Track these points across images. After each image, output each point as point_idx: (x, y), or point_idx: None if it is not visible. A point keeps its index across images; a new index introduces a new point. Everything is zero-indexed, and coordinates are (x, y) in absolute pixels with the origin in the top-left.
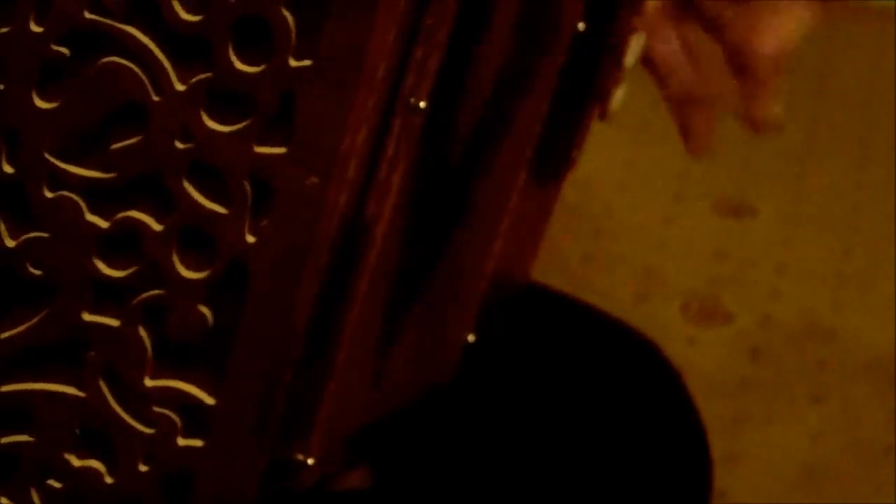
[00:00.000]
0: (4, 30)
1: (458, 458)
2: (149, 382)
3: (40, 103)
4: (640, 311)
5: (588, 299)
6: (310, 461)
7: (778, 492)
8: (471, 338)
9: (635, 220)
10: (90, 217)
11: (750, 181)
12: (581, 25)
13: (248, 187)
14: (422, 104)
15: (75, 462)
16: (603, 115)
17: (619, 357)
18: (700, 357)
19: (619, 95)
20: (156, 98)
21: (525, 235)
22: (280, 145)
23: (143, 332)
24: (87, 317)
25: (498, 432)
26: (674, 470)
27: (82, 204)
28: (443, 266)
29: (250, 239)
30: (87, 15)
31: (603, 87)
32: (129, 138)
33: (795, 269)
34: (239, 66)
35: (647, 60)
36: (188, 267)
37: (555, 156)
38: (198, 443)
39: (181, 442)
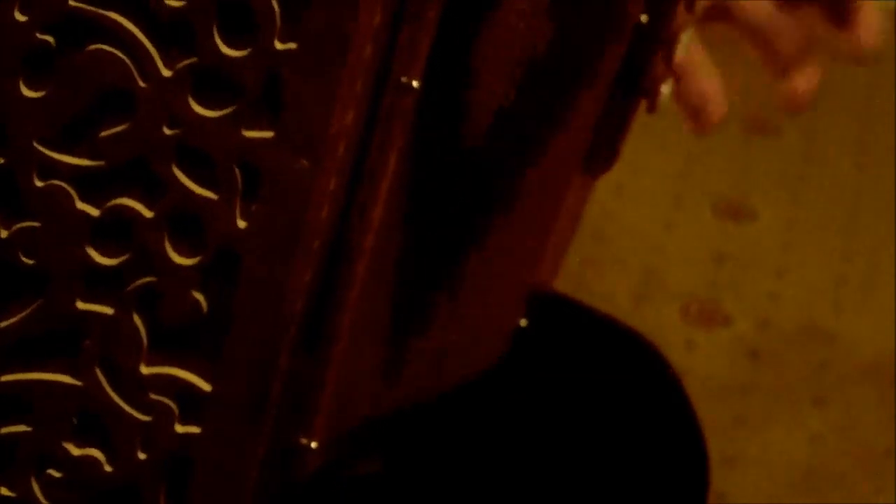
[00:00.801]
0: None
1: (457, 457)
2: (145, 370)
3: (27, 92)
4: (640, 314)
5: (587, 302)
6: (313, 445)
7: (778, 494)
8: (523, 322)
9: (635, 223)
10: (81, 205)
11: (749, 184)
12: (644, 17)
13: (237, 172)
14: (415, 83)
15: (74, 451)
16: (652, 109)
17: (619, 359)
18: (700, 360)
19: (666, 90)
20: (142, 84)
21: (557, 238)
22: (268, 129)
23: (137, 320)
24: (81, 305)
25: (496, 431)
26: (671, 472)
27: (73, 192)
28: (485, 256)
29: (241, 224)
30: (72, 2)
31: (654, 80)
32: (117, 125)
33: (795, 272)
34: (224, 50)
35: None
36: (180, 253)
37: (602, 148)
38: (195, 429)
39: (179, 429)
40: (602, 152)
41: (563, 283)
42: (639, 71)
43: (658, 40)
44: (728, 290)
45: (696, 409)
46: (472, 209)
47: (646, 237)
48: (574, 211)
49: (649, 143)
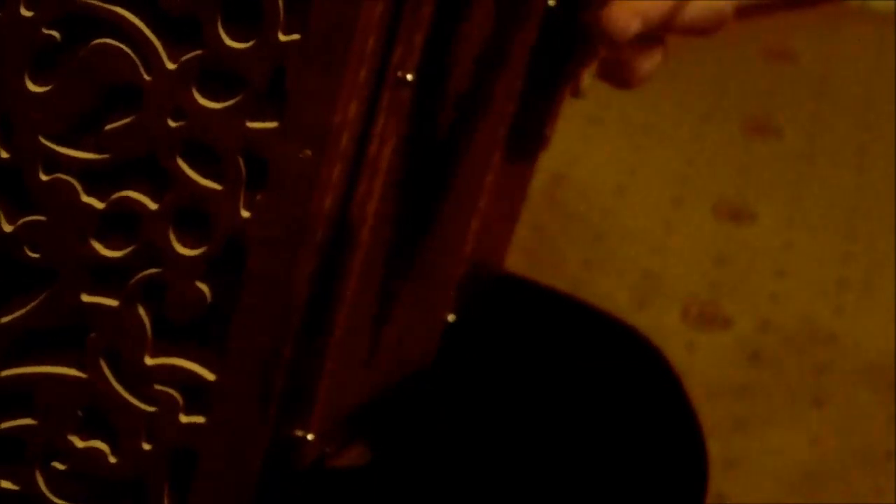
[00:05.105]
0: None
1: (451, 456)
2: (149, 361)
3: (33, 87)
4: (640, 316)
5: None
6: (309, 437)
7: (777, 496)
8: (451, 318)
9: (635, 225)
10: (86, 199)
11: (749, 186)
12: (552, 1)
13: (241, 163)
14: (409, 77)
15: (79, 443)
16: (575, 93)
17: (620, 359)
18: (700, 361)
19: (589, 73)
20: (147, 78)
21: (500, 218)
22: (272, 120)
23: (142, 312)
24: (86, 298)
25: (497, 432)
26: (671, 473)
27: (78, 186)
28: (427, 245)
29: (245, 214)
30: None
31: (574, 64)
32: (122, 119)
33: (795, 273)
34: (229, 42)
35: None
36: (185, 245)
37: (528, 134)
38: (200, 419)
39: (183, 419)
40: (528, 138)
41: (564, 285)
42: (557, 56)
43: (573, 24)
44: (728, 292)
45: (696, 409)
46: (431, 196)
47: (646, 238)
48: (516, 193)
49: (649, 144)
